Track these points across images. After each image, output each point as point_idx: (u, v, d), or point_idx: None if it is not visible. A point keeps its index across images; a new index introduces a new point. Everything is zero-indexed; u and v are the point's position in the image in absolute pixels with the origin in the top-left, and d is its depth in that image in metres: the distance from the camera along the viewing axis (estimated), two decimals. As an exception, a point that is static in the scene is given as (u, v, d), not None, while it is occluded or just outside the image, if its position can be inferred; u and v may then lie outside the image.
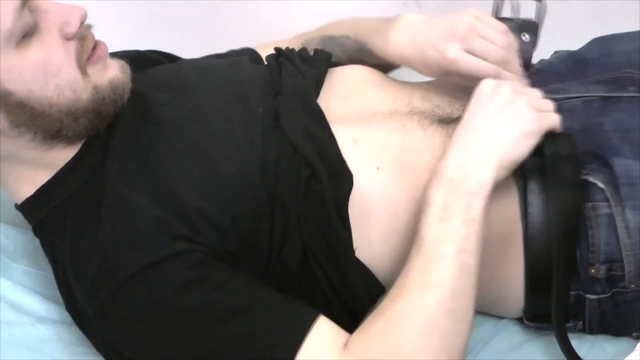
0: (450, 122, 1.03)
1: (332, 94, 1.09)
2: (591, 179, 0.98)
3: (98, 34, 0.95)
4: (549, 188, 0.97)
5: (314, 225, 0.96)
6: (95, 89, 0.94)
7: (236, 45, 1.24)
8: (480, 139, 0.94)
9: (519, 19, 1.09)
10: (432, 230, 0.90)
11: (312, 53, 1.18)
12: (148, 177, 0.95)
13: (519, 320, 1.06)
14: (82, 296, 0.93)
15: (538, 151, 0.96)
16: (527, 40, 1.08)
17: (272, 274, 0.97)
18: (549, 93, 1.02)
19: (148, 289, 0.89)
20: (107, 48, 0.97)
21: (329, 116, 1.03)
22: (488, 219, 0.92)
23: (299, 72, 1.09)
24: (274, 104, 1.03)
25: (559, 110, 0.99)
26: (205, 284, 0.89)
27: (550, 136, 0.97)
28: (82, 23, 0.93)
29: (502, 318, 1.08)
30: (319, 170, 0.97)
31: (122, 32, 1.22)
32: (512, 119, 0.94)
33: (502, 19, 1.08)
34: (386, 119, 1.04)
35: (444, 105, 1.07)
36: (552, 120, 0.96)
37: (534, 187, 0.99)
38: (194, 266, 0.90)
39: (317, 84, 1.09)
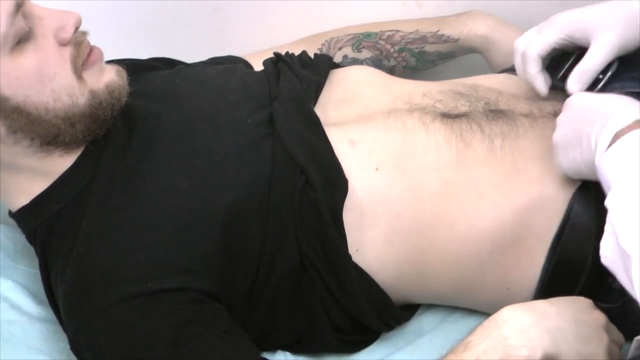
0: (454, 117, 1.02)
1: (332, 97, 1.09)
2: None
3: (96, 34, 0.96)
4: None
5: (310, 232, 0.96)
6: (92, 93, 0.95)
7: (236, 46, 1.25)
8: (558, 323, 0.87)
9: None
10: None
11: (324, 54, 1.19)
12: (127, 216, 0.94)
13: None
14: (62, 313, 0.95)
15: None
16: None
17: (264, 287, 0.97)
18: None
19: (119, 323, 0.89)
20: (102, 53, 0.97)
21: (326, 120, 1.03)
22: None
23: (297, 77, 1.09)
24: (270, 109, 1.03)
25: None
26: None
27: None
28: (77, 28, 0.93)
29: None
30: (313, 178, 0.97)
31: (122, 32, 1.23)
32: (589, 340, 0.88)
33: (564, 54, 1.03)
34: (385, 118, 1.03)
35: (446, 100, 1.05)
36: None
37: (581, 204, 0.96)
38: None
39: (317, 89, 1.09)
